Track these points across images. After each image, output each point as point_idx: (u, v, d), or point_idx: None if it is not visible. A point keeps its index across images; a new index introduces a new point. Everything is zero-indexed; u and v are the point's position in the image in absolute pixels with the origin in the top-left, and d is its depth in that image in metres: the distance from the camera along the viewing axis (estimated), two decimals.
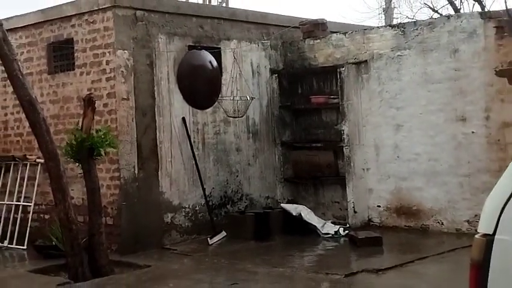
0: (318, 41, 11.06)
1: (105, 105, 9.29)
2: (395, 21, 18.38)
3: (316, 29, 11.33)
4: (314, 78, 11.11)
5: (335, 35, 10.98)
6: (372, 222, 10.34)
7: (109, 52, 9.35)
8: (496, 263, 2.39)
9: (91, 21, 9.55)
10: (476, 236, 2.49)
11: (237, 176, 10.74)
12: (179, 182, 9.89)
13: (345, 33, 10.87)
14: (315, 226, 9.85)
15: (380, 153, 10.25)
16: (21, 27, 10.41)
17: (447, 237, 9.06)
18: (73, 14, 9.78)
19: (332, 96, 10.68)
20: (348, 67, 10.42)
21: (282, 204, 10.60)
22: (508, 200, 2.41)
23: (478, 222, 2.56)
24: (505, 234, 2.39)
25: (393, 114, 10.08)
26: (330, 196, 10.82)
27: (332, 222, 10.07)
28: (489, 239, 2.42)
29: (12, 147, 10.89)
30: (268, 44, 11.34)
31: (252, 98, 10.78)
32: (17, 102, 8.83)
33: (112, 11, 9.29)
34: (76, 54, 9.81)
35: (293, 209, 10.19)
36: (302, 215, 9.99)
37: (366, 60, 10.37)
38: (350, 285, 7.18)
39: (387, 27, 11.20)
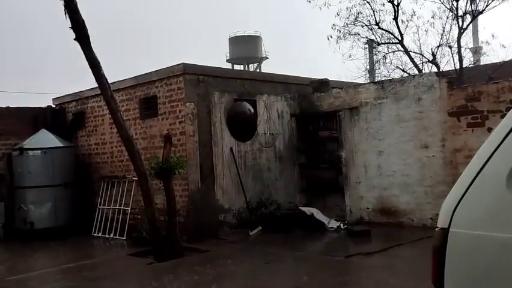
0: (323, 94, 11.06)
1: (178, 140, 9.40)
2: (376, 79, 18.28)
3: (322, 85, 11.33)
4: (321, 120, 11.08)
5: (335, 89, 10.97)
6: (363, 219, 10.20)
7: (180, 104, 9.50)
8: (450, 247, 2.38)
9: (169, 83, 9.74)
10: (436, 229, 2.48)
11: (268, 188, 10.71)
12: (228, 192, 9.92)
13: (341, 88, 10.88)
14: (323, 222, 9.75)
15: (367, 171, 10.14)
16: (122, 88, 10.60)
17: (416, 230, 8.86)
18: (157, 78, 9.97)
19: (333, 132, 10.66)
20: (344, 111, 10.40)
21: (300, 207, 10.50)
22: (458, 204, 2.40)
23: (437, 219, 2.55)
24: (456, 228, 2.38)
25: (376, 143, 10.00)
26: (333, 201, 10.67)
27: (335, 220, 9.96)
28: (445, 231, 2.41)
29: (115, 170, 11.05)
30: (289, 96, 11.39)
31: (278, 134, 10.84)
32: (119, 139, 9.01)
33: (183, 77, 9.47)
34: (158, 106, 9.97)
35: (307, 210, 10.09)
36: (314, 214, 9.89)
37: (356, 107, 10.34)
38: (348, 263, 7.09)
39: (371, 83, 11.15)
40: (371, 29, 17.47)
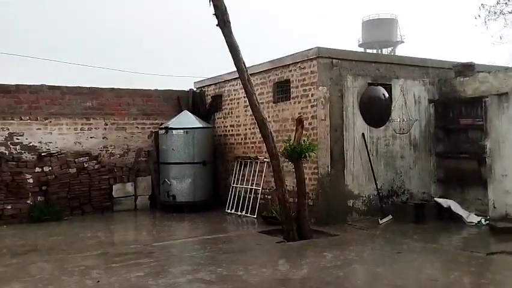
0: (467, 78, 10.24)
1: (309, 124, 9.47)
2: None
3: (466, 69, 10.50)
4: (463, 106, 10.28)
5: (481, 73, 10.08)
6: (510, 216, 9.24)
7: (313, 88, 9.55)
8: None
9: (302, 67, 9.82)
10: None
11: (401, 176, 10.30)
12: (358, 178, 9.76)
13: (489, 72, 9.96)
14: (461, 216, 9.13)
15: None
16: (257, 72, 10.88)
17: None
18: (290, 63, 10.10)
19: (477, 119, 9.83)
20: (492, 97, 9.49)
21: (435, 198, 9.95)
22: None
23: None
24: None
25: None
26: (474, 194, 9.89)
27: (475, 214, 9.25)
28: None
29: (248, 151, 11.52)
30: (427, 80, 10.76)
31: (414, 120, 10.34)
32: (253, 121, 9.36)
33: (317, 60, 9.47)
34: (291, 90, 10.12)
35: (444, 202, 9.55)
36: (451, 207, 9.32)
37: (507, 93, 9.35)
38: (490, 261, 6.56)
39: None
40: None
